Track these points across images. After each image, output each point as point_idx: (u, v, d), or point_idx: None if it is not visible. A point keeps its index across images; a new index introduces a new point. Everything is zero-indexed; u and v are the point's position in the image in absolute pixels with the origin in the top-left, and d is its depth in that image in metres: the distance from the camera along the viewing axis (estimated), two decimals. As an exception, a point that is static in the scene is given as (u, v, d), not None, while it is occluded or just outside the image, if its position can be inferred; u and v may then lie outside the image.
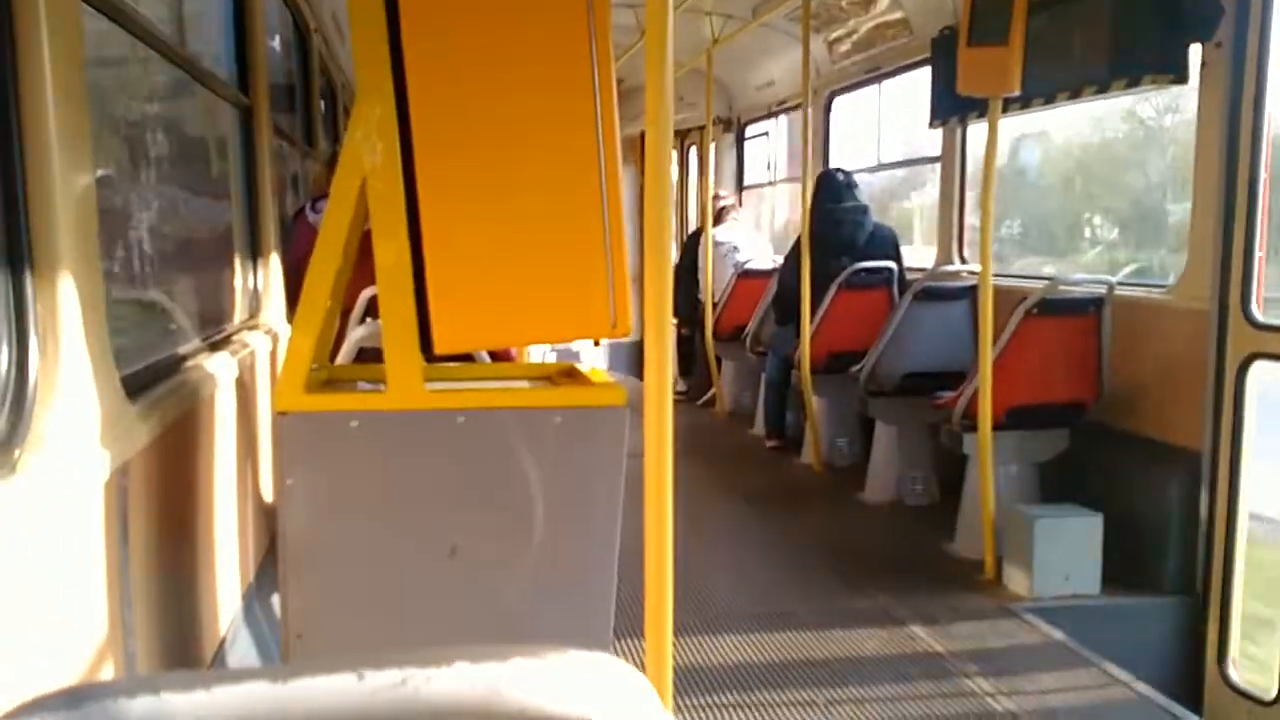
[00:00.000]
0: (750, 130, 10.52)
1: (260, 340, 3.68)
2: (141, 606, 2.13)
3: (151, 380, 2.37)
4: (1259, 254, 4.38)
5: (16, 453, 1.61)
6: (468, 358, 3.38)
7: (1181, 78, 4.50)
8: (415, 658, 0.57)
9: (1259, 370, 4.33)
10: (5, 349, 1.67)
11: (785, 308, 6.97)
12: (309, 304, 2.33)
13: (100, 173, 2.18)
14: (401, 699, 0.56)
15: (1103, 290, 4.87)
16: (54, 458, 1.65)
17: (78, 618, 1.78)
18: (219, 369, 2.93)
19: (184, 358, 2.82)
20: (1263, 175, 4.31)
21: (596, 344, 11.89)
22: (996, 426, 4.64)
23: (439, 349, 2.29)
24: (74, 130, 1.81)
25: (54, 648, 1.67)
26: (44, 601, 1.63)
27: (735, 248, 8.78)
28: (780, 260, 7.76)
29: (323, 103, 6.93)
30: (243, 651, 3.03)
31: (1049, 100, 5.19)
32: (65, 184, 1.75)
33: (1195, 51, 4.46)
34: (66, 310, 1.75)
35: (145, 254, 2.85)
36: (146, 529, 2.20)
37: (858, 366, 6.05)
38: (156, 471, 2.29)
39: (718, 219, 8.90)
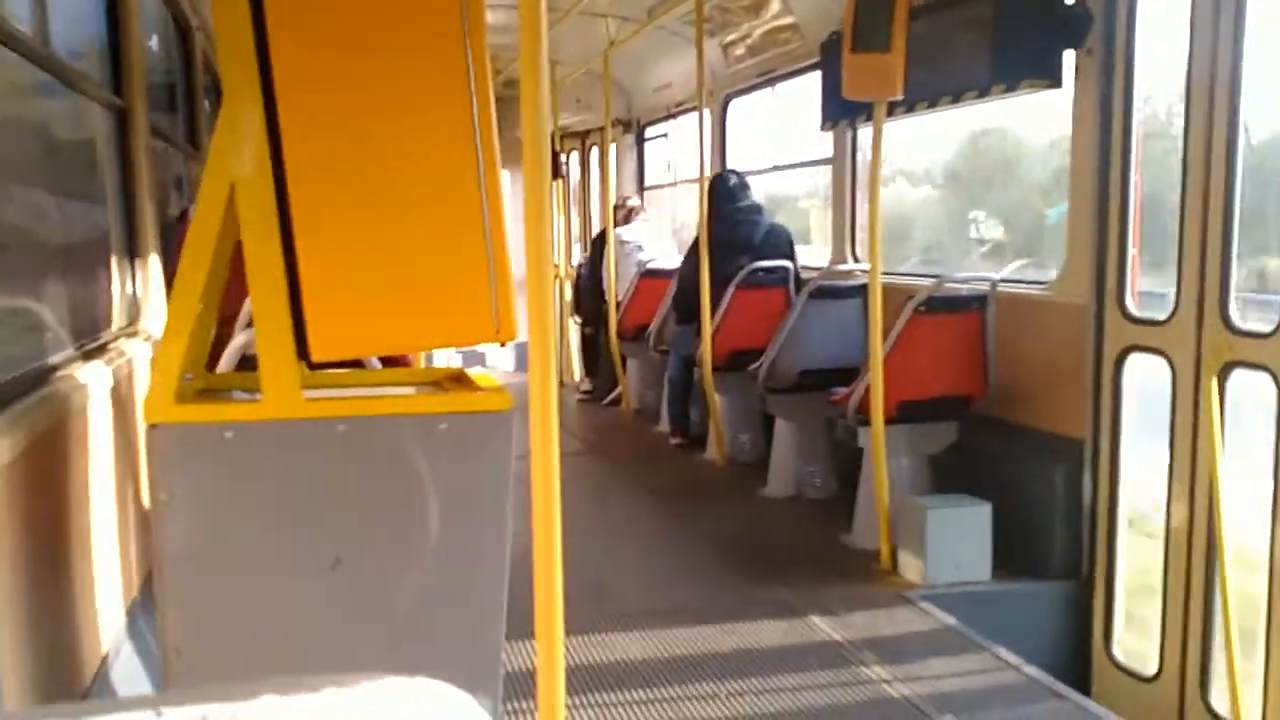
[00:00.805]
0: (650, 132, 10.57)
1: (139, 348, 3.56)
2: (8, 630, 2.04)
3: (13, 393, 2.27)
4: (1132, 250, 4.57)
5: None
6: (358, 364, 3.32)
7: (1056, 82, 4.67)
8: (218, 692, 0.56)
9: (1135, 362, 4.53)
10: None
11: (685, 307, 7.03)
12: (178, 310, 2.26)
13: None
14: None
15: (986, 288, 5.02)
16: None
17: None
18: (92, 379, 2.82)
19: (52, 369, 2.71)
20: (1134, 175, 4.50)
21: (502, 344, 11.76)
22: (888, 420, 4.74)
23: (316, 356, 2.24)
24: None
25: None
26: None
27: (639, 246, 8.82)
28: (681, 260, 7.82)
29: (207, 103, 6.72)
30: (126, 670, 2.93)
31: (932, 104, 5.33)
32: None
33: (1069, 58, 4.63)
34: None
35: (8, 261, 2.73)
36: (12, 549, 2.10)
37: (756, 364, 6.13)
38: (21, 487, 2.19)
39: (626, 219, 8.93)
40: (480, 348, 9.96)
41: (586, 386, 10.03)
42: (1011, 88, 4.84)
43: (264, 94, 2.17)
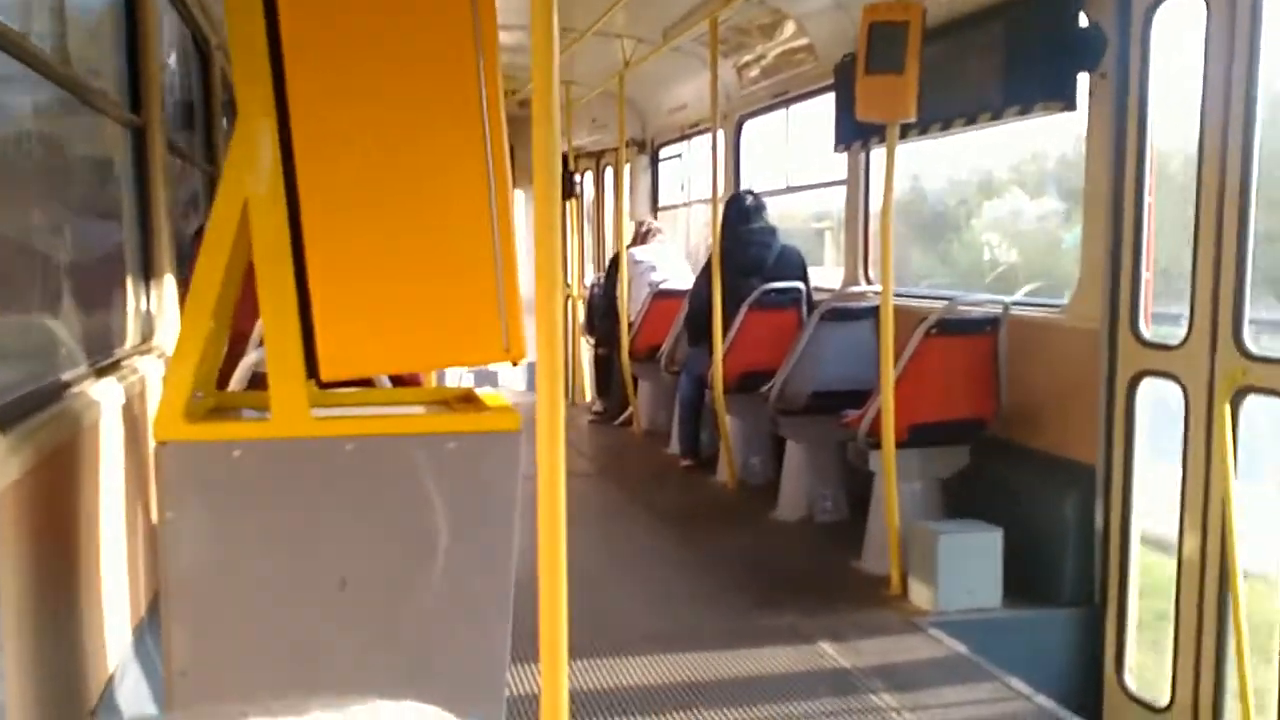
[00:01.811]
0: (665, 152, 10.61)
1: (153, 365, 3.57)
2: (14, 649, 2.04)
3: (27, 409, 2.28)
4: (1146, 274, 4.55)
5: None
6: (368, 383, 3.32)
7: (1070, 105, 4.67)
8: (220, 713, 0.55)
9: (1148, 387, 4.49)
10: None
11: (697, 328, 7.02)
12: (189, 328, 2.27)
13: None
14: None
15: (999, 310, 5.00)
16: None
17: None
18: (105, 395, 2.83)
19: (66, 384, 2.72)
20: (1148, 198, 4.48)
21: (515, 363, 11.78)
22: (899, 444, 4.72)
23: (326, 375, 2.24)
24: None
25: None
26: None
27: (653, 266, 8.82)
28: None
29: (225, 120, 6.77)
30: (132, 690, 2.92)
31: (945, 126, 5.34)
32: None
33: (1083, 80, 4.62)
34: None
35: (21, 277, 2.74)
36: (19, 566, 2.11)
37: (768, 386, 6.12)
38: (31, 504, 2.19)
39: (643, 240, 8.95)
40: (492, 367, 9.98)
41: (598, 407, 10.03)
42: (1026, 110, 4.84)
43: (278, 113, 2.18)
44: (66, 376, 2.81)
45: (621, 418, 9.35)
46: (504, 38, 2.38)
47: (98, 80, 3.54)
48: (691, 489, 7.13)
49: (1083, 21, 4.58)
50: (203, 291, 2.25)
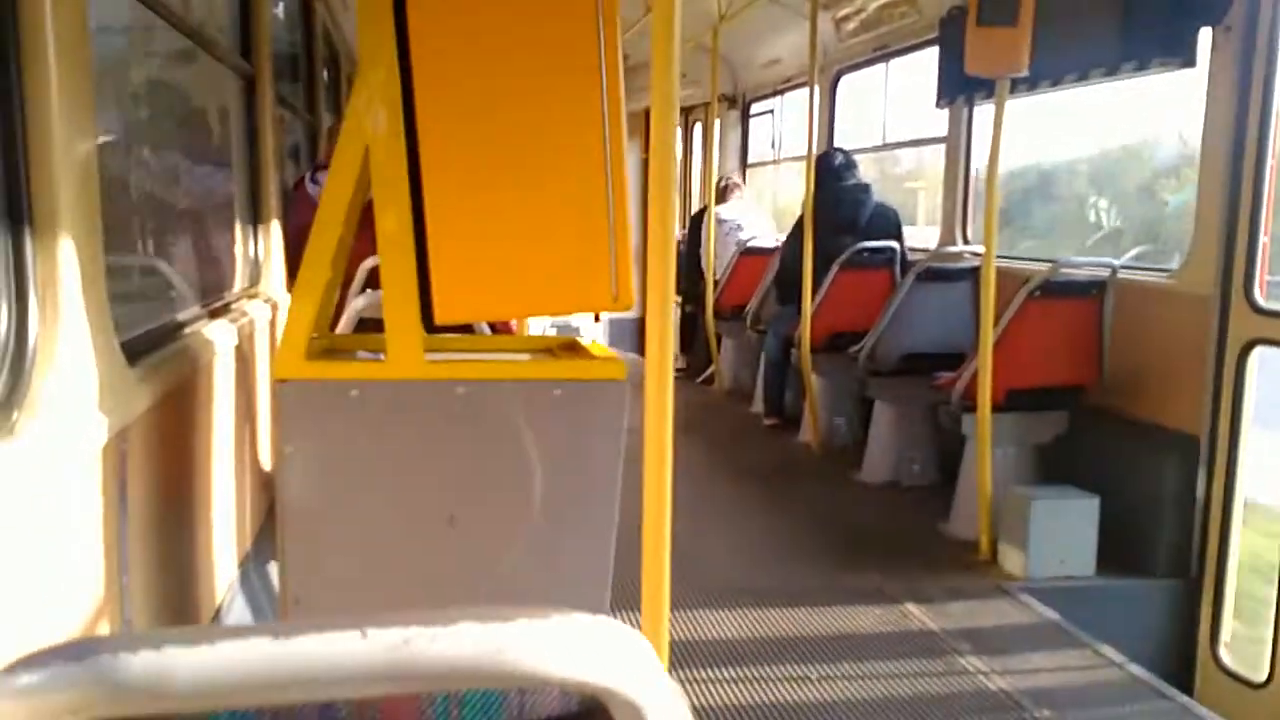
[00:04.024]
0: (755, 108, 10.46)
1: (260, 309, 3.68)
2: (138, 571, 2.14)
3: (151, 346, 2.37)
4: (1263, 239, 4.37)
5: (15, 415, 1.61)
6: (468, 329, 3.37)
7: (1189, 61, 4.48)
8: (419, 617, 0.57)
9: (1259, 355, 4.34)
10: (4, 312, 1.67)
11: (786, 287, 6.95)
12: (310, 273, 2.33)
13: (103, 139, 2.17)
14: (404, 658, 0.56)
15: (1105, 273, 4.86)
16: (52, 421, 1.65)
17: (74, 581, 1.79)
18: (219, 336, 2.93)
19: (183, 324, 2.82)
20: (1270, 160, 4.29)
21: (597, 319, 11.84)
22: (995, 408, 4.64)
23: (440, 319, 2.28)
24: (76, 95, 1.79)
25: (50, 610, 1.68)
26: (41, 564, 1.63)
27: (739, 225, 8.75)
28: (782, 239, 7.74)
29: (325, 72, 6.87)
30: (238, 616, 3.05)
31: (1056, 82, 5.16)
32: (67, 148, 1.74)
33: (1204, 35, 4.43)
34: (66, 275, 1.74)
35: (146, 220, 2.84)
36: (144, 494, 2.20)
37: (857, 346, 6.05)
38: (155, 437, 2.29)
39: (722, 196, 8.87)
40: (574, 321, 10.03)
41: (680, 364, 10.04)
42: (1142, 66, 4.66)
43: (400, 62, 2.21)
44: (183, 316, 2.91)
45: (704, 375, 9.35)
46: None
47: (216, 30, 3.61)
48: (775, 448, 7.11)
49: (1207, -27, 4.38)
50: (324, 236, 2.31)
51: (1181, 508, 4.56)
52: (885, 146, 8.07)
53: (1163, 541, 4.62)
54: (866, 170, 7.12)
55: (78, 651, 0.54)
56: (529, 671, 0.59)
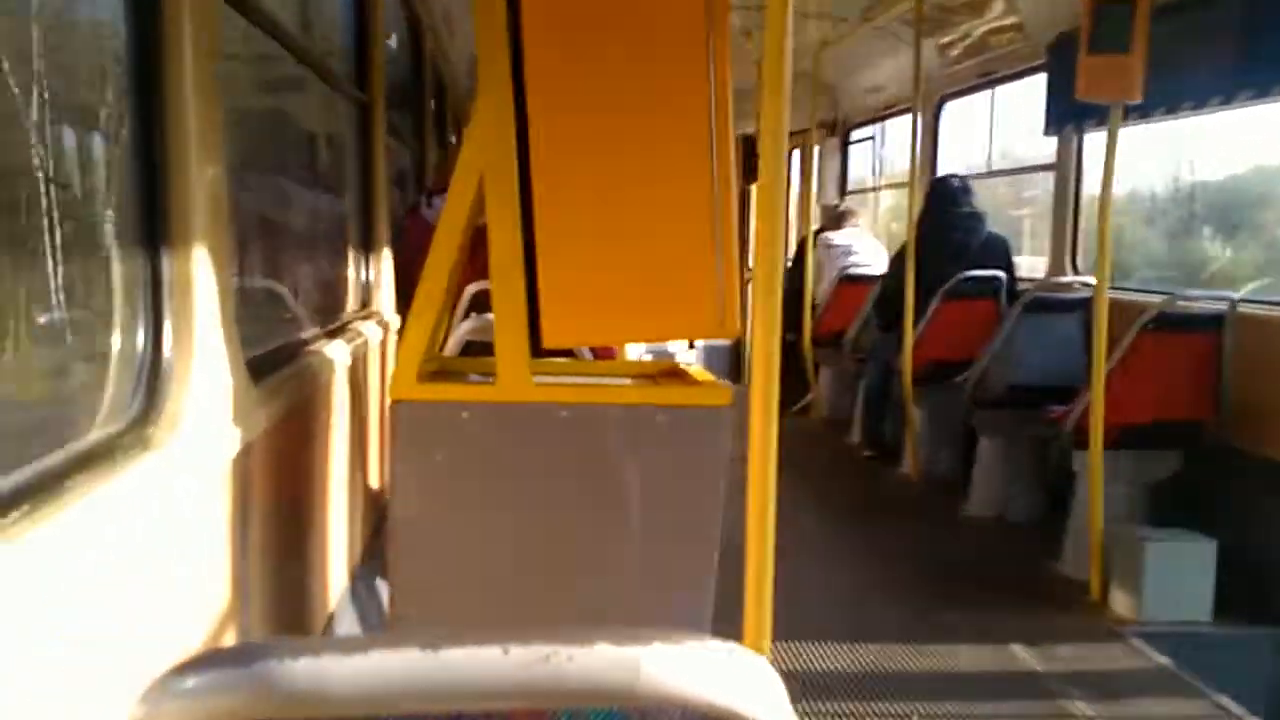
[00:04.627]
0: (855, 134, 10.39)
1: (372, 330, 3.78)
2: (257, 581, 2.21)
3: (274, 365, 2.46)
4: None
5: (150, 430, 1.68)
6: (570, 353, 3.42)
7: (1313, 88, 4.32)
8: (560, 635, 0.59)
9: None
10: (142, 330, 1.75)
11: (888, 314, 6.86)
12: (426, 295, 2.39)
13: (232, 164, 2.27)
14: (544, 675, 0.58)
15: (1224, 307, 4.68)
16: (185, 436, 1.72)
17: (202, 588, 1.86)
18: (335, 356, 3.02)
19: (303, 343, 2.92)
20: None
21: (691, 345, 11.85)
22: (1108, 445, 4.49)
23: (548, 343, 2.32)
24: (209, 123, 1.88)
25: (177, 614, 1.75)
26: (170, 570, 1.70)
27: (849, 250, 8.64)
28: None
29: (433, 101, 7.07)
30: (347, 627, 3.12)
31: (1171, 110, 5.02)
32: (200, 174, 1.83)
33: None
34: (199, 296, 1.82)
35: (268, 243, 2.95)
36: (265, 507, 2.28)
37: (961, 377, 5.93)
38: (276, 452, 2.37)
39: (838, 223, 8.80)
40: (670, 347, 10.04)
41: (776, 391, 9.93)
42: (1262, 94, 4.50)
43: (515, 93, 2.27)
44: (303, 336, 3.01)
45: (801, 404, 9.26)
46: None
47: (334, 60, 3.75)
48: (874, 480, 7.00)
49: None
50: (441, 260, 2.37)
51: (1307, 552, 4.35)
52: (993, 174, 7.93)
53: (1286, 588, 4.40)
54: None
55: (241, 656, 0.57)
56: (662, 693, 0.60)
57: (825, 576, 5.06)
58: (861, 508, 6.27)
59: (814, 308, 8.64)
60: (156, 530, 1.62)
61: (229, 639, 1.95)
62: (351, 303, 3.94)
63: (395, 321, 4.25)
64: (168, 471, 1.65)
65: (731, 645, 0.64)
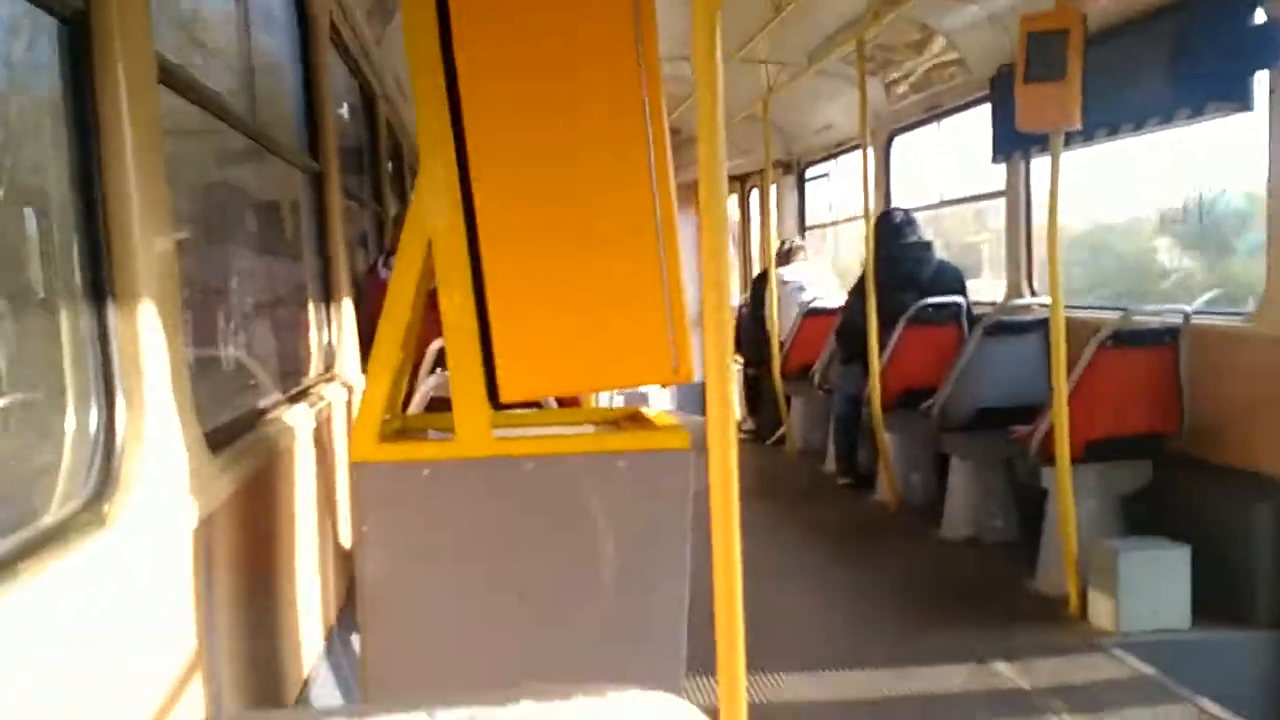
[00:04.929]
0: (811, 172, 10.55)
1: (336, 392, 3.79)
2: (226, 650, 2.20)
3: (234, 434, 2.46)
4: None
5: (106, 507, 1.68)
6: (536, 404, 3.43)
7: (1246, 105, 4.43)
8: (482, 697, 0.60)
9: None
10: (94, 406, 1.76)
11: (850, 345, 6.93)
12: (381, 356, 2.41)
13: (180, 236, 2.29)
14: None
15: (1178, 320, 4.77)
16: (142, 511, 1.73)
17: (166, 661, 1.85)
18: (297, 421, 3.02)
19: (264, 411, 2.92)
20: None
21: (664, 385, 11.86)
22: (1075, 460, 4.54)
23: (505, 398, 2.34)
24: (154, 199, 1.91)
25: (143, 691, 1.74)
26: (134, 647, 1.70)
27: (801, 286, 8.77)
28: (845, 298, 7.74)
29: (390, 163, 7.12)
30: (324, 690, 3.09)
31: (1112, 133, 5.14)
32: (146, 248, 1.85)
33: (1261, 79, 4.39)
34: (151, 369, 1.83)
35: (225, 312, 2.96)
36: (230, 577, 2.27)
37: (929, 403, 5.98)
38: (239, 521, 2.37)
39: (786, 259, 8.92)
40: (642, 388, 10.07)
41: (748, 426, 10.00)
42: (1197, 112, 4.62)
43: (458, 158, 2.31)
44: (263, 404, 3.01)
45: (774, 437, 9.30)
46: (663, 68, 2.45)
47: (283, 131, 3.80)
48: (850, 507, 7.02)
49: (1259, 18, 4.35)
50: (393, 323, 2.39)
51: (1278, 554, 4.40)
52: (945, 203, 8.07)
53: (1261, 591, 4.44)
54: (930, 228, 7.12)
55: None
56: None
57: (805, 604, 5.06)
58: (840, 535, 6.28)
59: (780, 344, 8.72)
60: (117, 605, 1.62)
61: (199, 710, 1.94)
62: (314, 366, 3.95)
63: (359, 383, 4.26)
64: (124, 547, 1.66)
65: (662, 696, 0.66)
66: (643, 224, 2.34)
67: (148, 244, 1.85)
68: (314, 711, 0.60)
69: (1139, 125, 4.98)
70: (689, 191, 2.37)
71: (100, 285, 1.77)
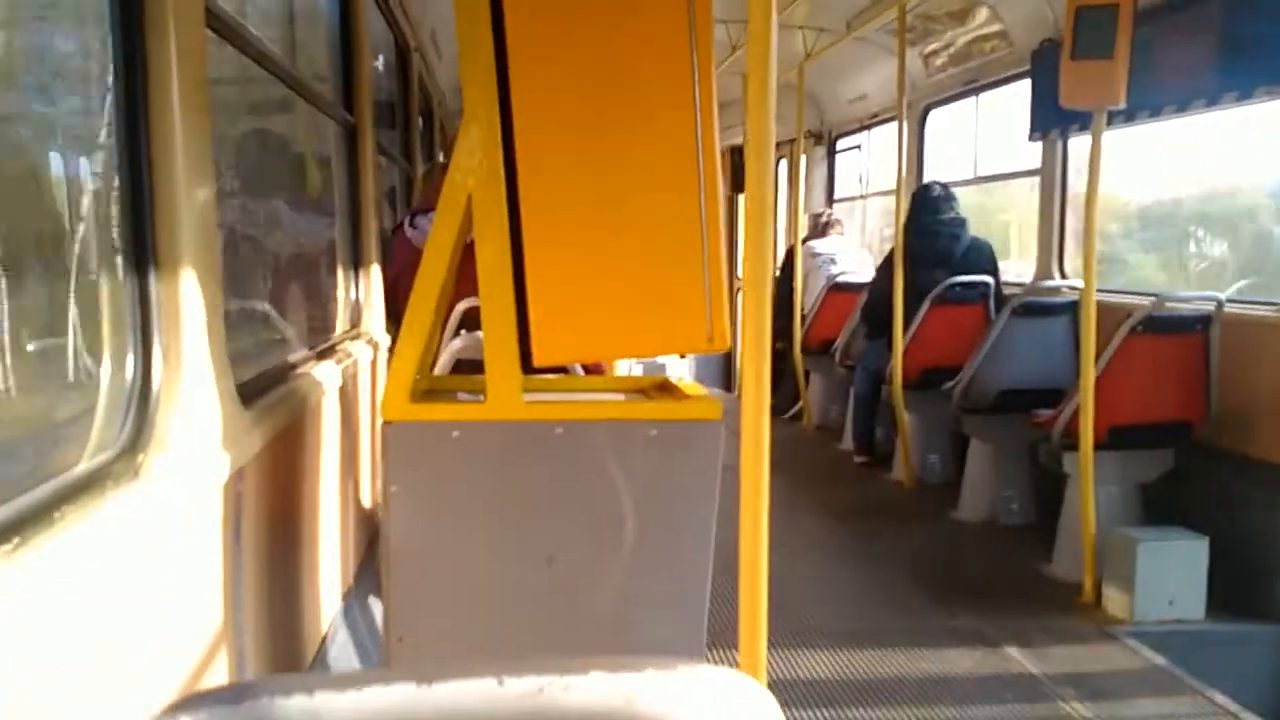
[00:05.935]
0: (842, 143, 10.44)
1: (362, 350, 3.78)
2: (251, 606, 2.21)
3: (264, 388, 2.46)
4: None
5: (140, 457, 1.68)
6: (562, 370, 3.42)
7: (1297, 88, 4.35)
8: (553, 665, 0.60)
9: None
10: (131, 356, 1.76)
11: (876, 321, 6.88)
12: (415, 315, 2.40)
13: (220, 187, 2.27)
14: (540, 706, 0.58)
15: (1211, 307, 4.71)
16: (175, 463, 1.72)
17: (194, 616, 1.86)
18: (325, 377, 3.02)
19: (293, 366, 2.92)
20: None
21: (683, 356, 11.82)
22: (1098, 446, 4.51)
23: (538, 361, 2.33)
24: (198, 147, 1.89)
25: (171, 644, 1.75)
26: (163, 600, 1.70)
27: (832, 259, 8.69)
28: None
29: (421, 119, 7.08)
30: (341, 651, 3.11)
31: (1154, 114, 5.06)
32: (189, 199, 1.84)
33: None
34: (188, 320, 1.82)
35: (258, 265, 2.96)
36: (257, 532, 2.28)
37: (951, 383, 5.95)
38: (268, 475, 2.37)
39: (822, 232, 8.84)
40: (660, 359, 10.05)
41: (767, 399, 9.95)
42: (1245, 95, 4.53)
43: (501, 113, 2.28)
44: (293, 359, 3.01)
45: (791, 411, 9.27)
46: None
47: (321, 83, 3.76)
48: (866, 486, 7.02)
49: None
50: (429, 280, 2.38)
51: (1298, 549, 4.38)
52: (978, 180, 7.97)
53: (1277, 584, 4.42)
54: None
55: (235, 695, 0.58)
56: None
57: (821, 583, 5.07)
58: (855, 514, 6.28)
59: (803, 317, 8.67)
60: (148, 558, 1.62)
61: (223, 665, 1.95)
62: (341, 323, 3.95)
63: (385, 341, 4.25)
64: (159, 498, 1.66)
65: (730, 672, 0.65)
66: (685, 189, 2.31)
67: (190, 195, 1.84)
68: (385, 672, 0.59)
69: (1183, 107, 4.90)
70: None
71: (142, 235, 1.76)
